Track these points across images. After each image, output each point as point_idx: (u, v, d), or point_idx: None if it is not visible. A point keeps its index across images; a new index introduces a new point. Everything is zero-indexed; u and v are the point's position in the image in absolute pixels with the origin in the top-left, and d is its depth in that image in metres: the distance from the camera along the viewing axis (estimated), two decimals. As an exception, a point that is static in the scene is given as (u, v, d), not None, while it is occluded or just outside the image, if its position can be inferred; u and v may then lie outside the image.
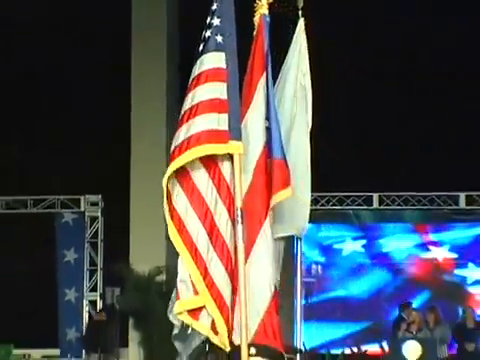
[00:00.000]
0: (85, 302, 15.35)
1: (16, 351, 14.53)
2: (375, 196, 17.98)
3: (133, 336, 14.36)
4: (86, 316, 15.36)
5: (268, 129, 5.24)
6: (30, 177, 16.80)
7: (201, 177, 4.78)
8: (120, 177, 14.81)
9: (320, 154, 15.97)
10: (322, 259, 19.11)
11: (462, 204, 18.02)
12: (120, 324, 14.38)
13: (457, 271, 18.82)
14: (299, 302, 18.02)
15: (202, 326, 4.72)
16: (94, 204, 15.39)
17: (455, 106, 17.91)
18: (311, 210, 15.58)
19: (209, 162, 4.79)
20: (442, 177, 17.47)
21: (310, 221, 15.63)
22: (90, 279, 15.46)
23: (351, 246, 19.10)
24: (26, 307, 15.72)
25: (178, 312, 4.69)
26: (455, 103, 18.03)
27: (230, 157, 4.81)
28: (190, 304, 4.66)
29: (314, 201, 17.48)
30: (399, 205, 18.26)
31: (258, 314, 4.84)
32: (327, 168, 16.38)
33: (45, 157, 16.63)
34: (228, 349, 4.71)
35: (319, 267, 18.96)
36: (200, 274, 4.63)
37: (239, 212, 4.69)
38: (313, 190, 15.07)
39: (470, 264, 18.74)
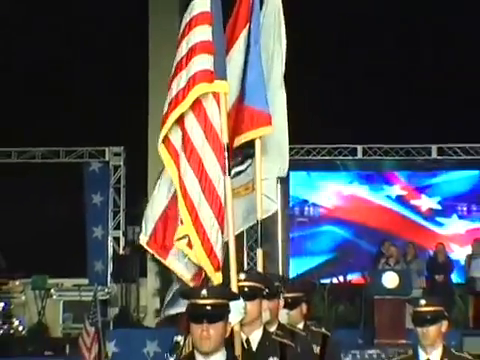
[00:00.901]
0: (110, 238, 16.30)
1: (51, 281, 15.50)
2: (359, 148, 18.54)
3: (151, 267, 15.23)
4: (111, 250, 16.31)
5: (244, 76, 5.42)
6: (63, 131, 17.26)
7: (189, 119, 4.72)
8: (140, 130, 15.41)
9: (313, 111, 17.30)
10: (314, 200, 19.74)
11: (434, 155, 18.64)
12: (140, 257, 15.08)
13: (431, 215, 19.55)
14: (288, 236, 18.99)
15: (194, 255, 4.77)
16: (117, 154, 16.36)
17: (434, 65, 18.26)
18: (304, 160, 16.93)
19: (195, 103, 4.72)
20: (417, 132, 18.20)
21: (303, 169, 16.96)
22: (114, 219, 16.41)
23: (338, 190, 19.88)
24: (59, 243, 16.44)
25: (176, 238, 4.74)
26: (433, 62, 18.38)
27: (214, 96, 4.76)
28: (179, 233, 4.73)
29: (306, 152, 18.65)
30: (380, 155, 18.72)
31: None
32: (319, 124, 17.86)
33: (76, 113, 17.19)
34: (218, 278, 4.72)
35: (311, 208, 19.55)
36: (186, 209, 4.64)
37: (226, 147, 4.72)
38: (306, 142, 16.57)
39: (439, 205, 19.48)
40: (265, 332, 4.61)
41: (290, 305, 5.85)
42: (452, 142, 18.50)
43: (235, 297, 4.01)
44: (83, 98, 17.14)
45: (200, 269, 4.76)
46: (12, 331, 14.68)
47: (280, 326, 5.24)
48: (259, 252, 5.48)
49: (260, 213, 5.41)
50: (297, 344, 5.13)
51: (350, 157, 19.02)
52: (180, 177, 4.69)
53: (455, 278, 17.66)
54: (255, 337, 4.54)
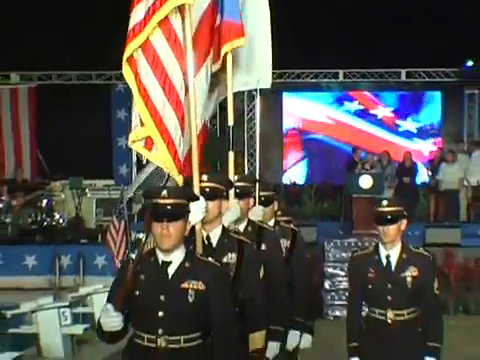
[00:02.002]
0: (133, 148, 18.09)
1: (85, 182, 17.01)
2: (341, 72, 19.77)
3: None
4: (134, 158, 17.56)
5: None
6: (93, 55, 18.07)
7: (158, 39, 4.55)
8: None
9: (302, 37, 16.89)
10: (304, 115, 21.02)
11: (403, 78, 19.97)
12: (158, 162, 16.53)
13: (399, 124, 21.02)
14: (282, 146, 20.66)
15: (154, 157, 4.66)
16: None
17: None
18: (295, 82, 18.95)
19: (163, 23, 4.50)
20: (389, 57, 19.17)
21: (294, 90, 19.27)
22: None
23: (324, 109, 21.19)
24: (92, 151, 18.22)
25: (131, 141, 4.57)
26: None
27: (180, 11, 4.52)
28: (138, 135, 4.57)
29: (296, 76, 19.71)
30: (358, 78, 20.07)
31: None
32: (308, 50, 18.53)
33: (107, 41, 16.15)
34: (180, 180, 4.63)
35: (300, 123, 21.13)
36: (149, 113, 4.52)
37: (191, 57, 4.56)
38: (297, 68, 18.55)
39: (409, 119, 20.94)
40: (224, 230, 4.53)
41: (263, 203, 5.80)
42: (419, 67, 19.56)
43: (195, 197, 3.95)
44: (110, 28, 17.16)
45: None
46: (54, 223, 16.02)
47: (249, 223, 5.26)
48: (230, 154, 5.34)
49: (231, 120, 5.37)
50: (264, 238, 5.26)
51: (333, 80, 20.18)
52: (140, 81, 4.52)
53: (419, 180, 18.95)
54: (215, 234, 4.47)
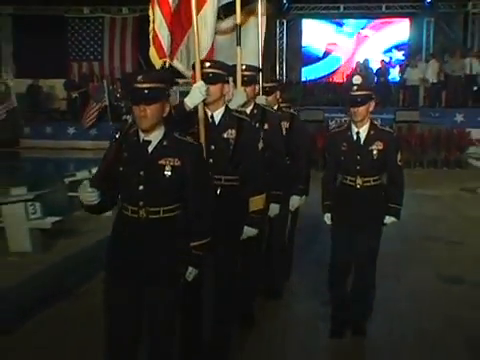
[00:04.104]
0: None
1: None
2: (341, 6, 23.15)
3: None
4: None
5: None
6: None
7: None
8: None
9: None
10: (315, 35, 23.49)
11: (383, 9, 22.97)
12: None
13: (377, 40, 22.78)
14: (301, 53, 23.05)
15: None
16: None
17: None
18: (310, 13, 23.52)
19: None
20: None
21: (310, 17, 23.76)
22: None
23: (329, 29, 23.64)
24: None
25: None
26: None
27: None
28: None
29: (311, 9, 22.99)
30: (351, 10, 22.97)
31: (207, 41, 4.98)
32: None
33: None
34: (158, 64, 4.98)
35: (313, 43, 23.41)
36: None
37: None
38: (312, 2, 22.93)
39: (394, 50, 23.22)
40: (226, 110, 4.41)
41: (267, 92, 5.84)
42: (395, 2, 22.31)
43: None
44: None
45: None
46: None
47: (255, 106, 5.28)
48: (238, 49, 5.22)
49: (239, 19, 5.30)
50: (267, 119, 5.34)
51: (336, 11, 23.36)
52: None
53: (392, 78, 21.99)
54: (218, 114, 4.37)
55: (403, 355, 5.05)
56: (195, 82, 4.30)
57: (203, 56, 4.59)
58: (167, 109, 3.55)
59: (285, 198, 5.77)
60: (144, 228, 3.52)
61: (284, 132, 5.88)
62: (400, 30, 23.59)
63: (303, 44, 24.11)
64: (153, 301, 3.57)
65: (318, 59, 24.21)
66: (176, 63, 5.10)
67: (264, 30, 5.82)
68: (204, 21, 4.92)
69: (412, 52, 22.86)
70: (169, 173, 3.52)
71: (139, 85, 3.42)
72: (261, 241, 5.32)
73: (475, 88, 20.05)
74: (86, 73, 23.23)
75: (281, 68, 23.91)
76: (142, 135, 3.53)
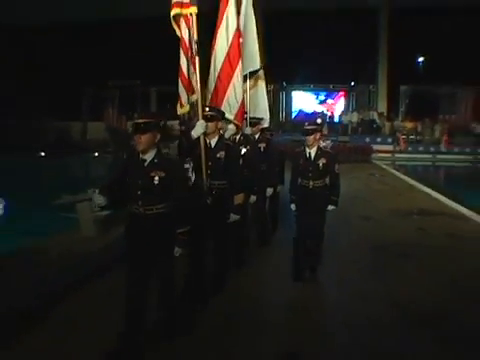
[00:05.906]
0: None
1: None
2: (312, 85, 32.11)
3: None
4: None
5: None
6: None
7: (183, 31, 5.60)
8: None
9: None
10: (301, 101, 32.18)
11: (331, 88, 33.34)
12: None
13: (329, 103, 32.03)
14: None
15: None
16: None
17: None
18: (297, 86, 35.92)
19: (182, 20, 5.57)
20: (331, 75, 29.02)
21: (297, 90, 36.30)
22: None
23: (309, 98, 32.46)
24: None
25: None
26: None
27: (184, 18, 5.53)
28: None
29: (299, 83, 31.65)
30: (319, 87, 32.13)
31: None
32: (306, 69, 27.34)
33: None
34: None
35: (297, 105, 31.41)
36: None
37: (195, 46, 5.49)
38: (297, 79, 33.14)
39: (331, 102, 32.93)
40: (220, 138, 5.55)
41: (252, 124, 7.47)
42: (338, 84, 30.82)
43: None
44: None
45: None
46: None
47: (242, 134, 6.75)
48: (249, 106, 6.45)
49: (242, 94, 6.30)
50: (247, 143, 6.81)
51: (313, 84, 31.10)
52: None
53: (336, 120, 31.95)
54: (214, 141, 5.54)
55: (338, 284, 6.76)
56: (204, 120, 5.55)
57: (235, 110, 6.13)
58: (158, 136, 4.39)
59: (261, 190, 7.50)
60: (144, 220, 4.44)
61: (262, 150, 7.76)
62: (341, 97, 36.02)
63: (293, 104, 36.14)
64: (158, 265, 4.63)
65: (301, 111, 35.28)
66: (224, 110, 6.21)
67: (265, 92, 7.84)
68: (236, 84, 6.23)
69: (345, 108, 35.41)
70: (157, 182, 4.36)
71: (137, 121, 4.33)
72: (244, 222, 6.71)
73: (374, 126, 31.70)
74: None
75: (283, 115, 36.42)
76: (141, 155, 4.42)
